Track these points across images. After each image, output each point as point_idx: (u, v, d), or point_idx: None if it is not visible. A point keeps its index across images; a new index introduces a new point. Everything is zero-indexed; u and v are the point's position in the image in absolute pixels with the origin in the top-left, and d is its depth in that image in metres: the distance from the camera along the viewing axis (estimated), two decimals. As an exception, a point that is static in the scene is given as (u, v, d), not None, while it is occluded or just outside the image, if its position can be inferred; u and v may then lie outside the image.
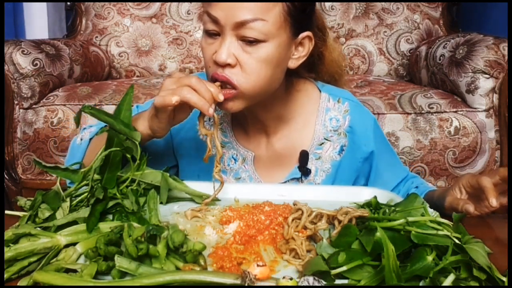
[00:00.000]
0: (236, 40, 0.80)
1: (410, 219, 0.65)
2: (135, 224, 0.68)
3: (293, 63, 0.88)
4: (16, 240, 0.64)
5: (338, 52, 1.00)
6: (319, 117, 0.96)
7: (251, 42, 0.80)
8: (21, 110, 1.72)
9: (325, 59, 0.97)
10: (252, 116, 0.94)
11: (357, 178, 1.00)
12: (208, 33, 0.83)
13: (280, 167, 0.96)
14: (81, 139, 0.94)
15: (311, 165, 0.96)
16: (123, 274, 0.58)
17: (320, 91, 0.98)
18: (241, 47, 0.81)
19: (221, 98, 0.77)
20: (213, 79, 0.82)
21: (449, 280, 0.56)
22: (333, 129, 0.96)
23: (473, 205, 0.82)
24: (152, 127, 0.82)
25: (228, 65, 0.80)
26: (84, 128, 0.99)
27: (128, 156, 0.79)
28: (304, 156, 0.94)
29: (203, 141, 0.94)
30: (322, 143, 0.96)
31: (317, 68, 0.99)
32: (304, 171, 0.94)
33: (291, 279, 0.55)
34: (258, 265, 0.56)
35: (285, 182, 0.96)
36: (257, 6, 0.79)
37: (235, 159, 0.97)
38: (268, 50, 0.81)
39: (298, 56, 0.88)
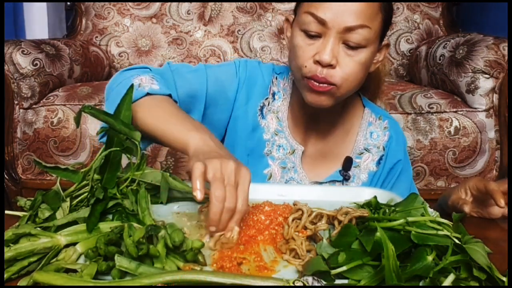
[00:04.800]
0: (339, 43, 0.84)
1: (410, 219, 0.65)
2: (135, 225, 0.68)
3: (372, 67, 0.92)
4: (16, 240, 0.64)
5: (384, 65, 1.05)
6: (361, 129, 1.01)
7: (353, 46, 0.84)
8: (21, 110, 1.72)
9: (376, 72, 1.02)
10: (313, 113, 0.97)
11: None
12: (309, 34, 0.85)
13: (323, 167, 1.01)
14: (139, 85, 0.87)
15: (349, 172, 1.00)
16: (123, 274, 0.58)
17: (364, 106, 1.04)
18: (342, 49, 0.84)
19: (227, 236, 0.67)
20: (312, 79, 0.85)
21: (449, 280, 0.56)
22: (373, 142, 1.01)
23: (470, 206, 0.88)
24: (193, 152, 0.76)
25: (330, 65, 0.84)
26: (146, 69, 0.95)
27: (128, 156, 0.79)
28: (348, 162, 0.99)
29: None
30: (362, 153, 1.01)
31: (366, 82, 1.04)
32: (345, 175, 0.99)
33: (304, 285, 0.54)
34: None
35: (325, 182, 1.00)
36: (365, 13, 0.82)
37: (284, 148, 1.00)
38: (367, 55, 0.85)
39: (376, 61, 0.93)
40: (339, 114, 0.99)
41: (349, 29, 0.82)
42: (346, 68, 0.84)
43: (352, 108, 1.01)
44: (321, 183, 1.00)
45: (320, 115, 0.97)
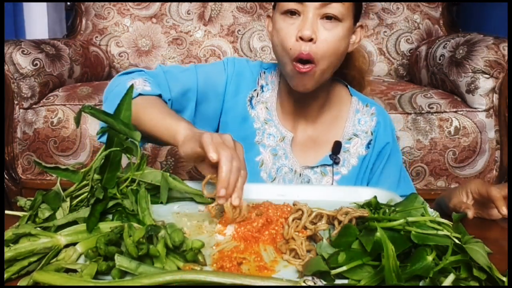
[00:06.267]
0: (317, 19, 0.91)
1: (410, 219, 0.65)
2: (135, 225, 0.68)
3: (350, 47, 0.99)
4: (16, 240, 0.64)
5: (362, 55, 1.11)
6: (349, 116, 1.07)
7: (330, 19, 0.91)
8: (21, 110, 1.72)
9: (353, 59, 1.07)
10: (300, 100, 1.02)
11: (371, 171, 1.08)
12: (290, 13, 0.92)
13: (313, 152, 1.05)
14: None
15: (339, 156, 1.04)
16: (123, 274, 0.58)
17: (351, 95, 1.09)
18: (321, 25, 0.91)
19: (235, 202, 0.73)
20: (296, 60, 0.91)
21: (449, 280, 0.56)
22: (361, 128, 1.06)
23: (473, 210, 0.87)
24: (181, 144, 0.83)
25: (311, 40, 0.90)
26: (141, 72, 1.02)
27: (128, 156, 0.79)
28: (337, 146, 1.04)
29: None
30: (351, 138, 1.05)
31: (345, 69, 1.08)
32: (335, 159, 1.03)
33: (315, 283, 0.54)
34: None
35: (316, 166, 1.04)
36: None
37: (274, 136, 1.05)
38: (343, 29, 0.92)
39: (353, 42, 0.99)
40: (325, 101, 1.04)
41: (324, 4, 0.90)
42: (325, 42, 0.91)
43: (338, 96, 1.07)
44: (312, 167, 1.03)
45: (307, 102, 1.02)
